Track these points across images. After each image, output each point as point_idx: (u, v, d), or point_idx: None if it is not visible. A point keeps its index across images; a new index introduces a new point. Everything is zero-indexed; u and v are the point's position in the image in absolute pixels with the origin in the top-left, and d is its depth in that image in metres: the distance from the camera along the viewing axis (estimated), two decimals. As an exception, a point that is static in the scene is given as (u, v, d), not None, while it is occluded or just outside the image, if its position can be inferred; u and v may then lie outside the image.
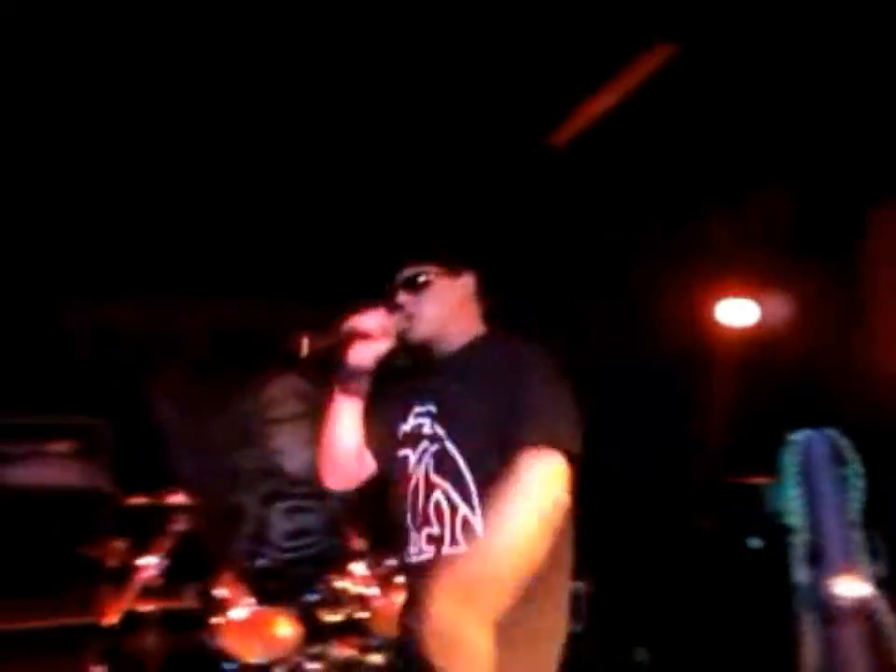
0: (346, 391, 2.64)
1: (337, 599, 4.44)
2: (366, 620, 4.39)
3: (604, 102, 4.42)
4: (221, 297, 6.16)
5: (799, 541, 4.74)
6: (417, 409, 2.59)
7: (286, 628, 4.40)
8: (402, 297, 2.60)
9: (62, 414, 5.87)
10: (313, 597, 4.54)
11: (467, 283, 2.68)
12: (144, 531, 4.66)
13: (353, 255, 5.37)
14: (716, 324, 5.46)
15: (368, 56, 4.03)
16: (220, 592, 4.61)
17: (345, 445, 2.69)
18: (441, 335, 2.63)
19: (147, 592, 4.48)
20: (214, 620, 4.51)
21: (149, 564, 4.44)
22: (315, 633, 4.42)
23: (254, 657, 4.33)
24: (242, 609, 4.51)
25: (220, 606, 4.55)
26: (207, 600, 4.66)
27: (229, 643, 4.45)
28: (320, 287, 5.55)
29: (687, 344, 5.49)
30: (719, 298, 5.50)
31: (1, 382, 5.67)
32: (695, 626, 5.32)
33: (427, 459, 2.49)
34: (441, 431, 2.49)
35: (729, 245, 5.13)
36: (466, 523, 2.36)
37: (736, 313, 5.45)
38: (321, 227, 5.57)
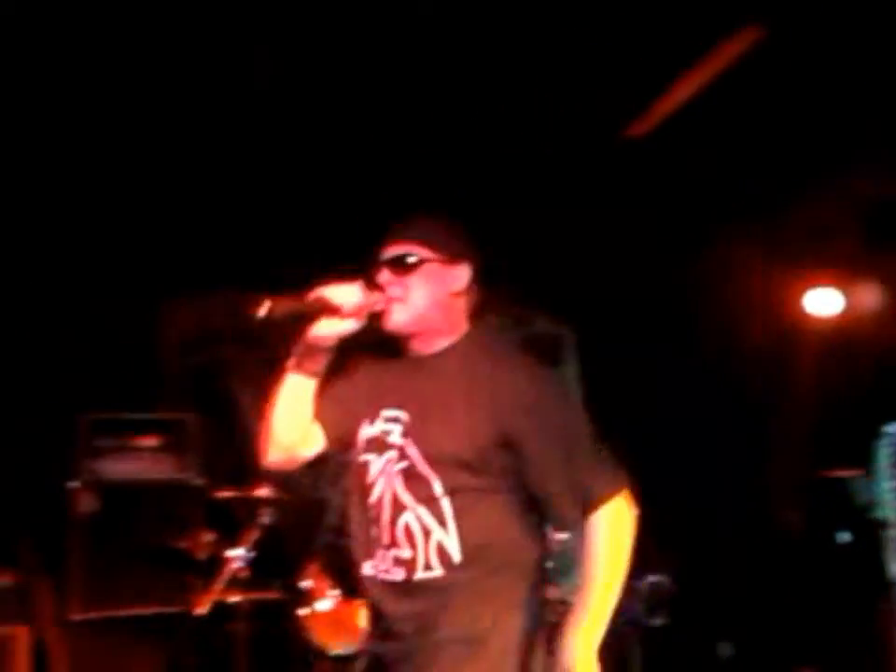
0: (300, 367, 2.41)
1: None
2: None
3: (686, 89, 4.34)
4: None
5: (892, 535, 4.68)
6: (386, 412, 2.40)
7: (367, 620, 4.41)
8: (386, 276, 2.39)
9: (152, 410, 5.96)
10: None
11: (461, 275, 2.46)
12: (232, 524, 4.72)
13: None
14: (803, 314, 5.42)
15: (437, 41, 4.01)
16: (306, 584, 4.66)
17: (292, 425, 2.46)
18: (421, 328, 2.43)
19: (235, 583, 4.51)
20: (299, 611, 4.57)
21: (237, 556, 4.48)
22: None
23: (339, 648, 4.37)
24: (327, 601, 4.56)
25: (306, 597, 4.60)
26: (293, 592, 4.71)
27: (314, 634, 4.51)
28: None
29: (773, 335, 5.44)
30: (805, 288, 5.46)
31: (92, 378, 5.79)
32: (781, 621, 5.24)
33: (394, 474, 2.32)
34: (411, 449, 2.31)
35: (815, 235, 5.04)
36: (440, 547, 2.26)
37: (823, 303, 5.42)
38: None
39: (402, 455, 2.33)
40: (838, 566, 5.26)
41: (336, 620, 4.49)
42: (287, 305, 2.26)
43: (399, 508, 2.30)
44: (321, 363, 2.40)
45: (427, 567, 2.26)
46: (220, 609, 4.53)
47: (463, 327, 2.48)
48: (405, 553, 2.28)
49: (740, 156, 4.87)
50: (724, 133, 4.68)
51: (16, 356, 5.58)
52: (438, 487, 2.27)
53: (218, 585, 4.40)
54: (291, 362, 2.41)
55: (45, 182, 5.03)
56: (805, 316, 5.46)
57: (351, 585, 4.38)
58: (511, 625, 2.30)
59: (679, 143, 4.76)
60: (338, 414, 2.50)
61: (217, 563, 4.53)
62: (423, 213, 2.49)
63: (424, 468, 2.28)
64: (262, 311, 2.21)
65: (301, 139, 4.80)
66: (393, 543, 2.30)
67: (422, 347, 2.45)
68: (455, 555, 2.26)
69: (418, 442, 2.32)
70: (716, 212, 5.34)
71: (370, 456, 2.40)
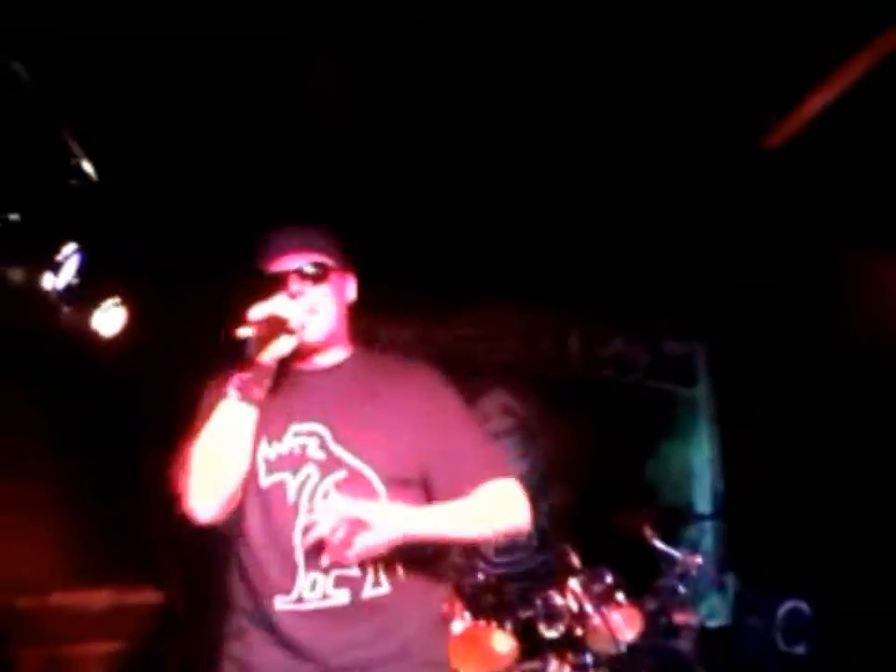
0: (247, 394, 2.16)
1: (553, 615, 4.53)
2: (582, 636, 4.56)
3: (822, 99, 4.21)
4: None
5: None
6: (297, 427, 2.26)
7: (503, 643, 4.45)
8: (296, 286, 2.26)
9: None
10: (528, 612, 4.57)
11: (352, 285, 2.44)
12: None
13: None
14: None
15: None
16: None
17: (237, 462, 2.19)
18: (328, 340, 2.36)
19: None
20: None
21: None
22: (532, 648, 4.54)
23: (471, 671, 4.39)
24: (459, 624, 4.42)
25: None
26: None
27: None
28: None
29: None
30: None
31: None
32: None
33: (323, 487, 2.20)
34: (346, 456, 2.23)
35: None
36: (387, 562, 2.18)
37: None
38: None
39: (332, 464, 2.22)
40: None
41: (468, 643, 4.46)
42: (262, 325, 2.13)
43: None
44: (265, 388, 2.19)
45: (376, 583, 2.18)
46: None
47: (350, 339, 2.44)
48: (352, 570, 2.15)
49: (881, 165, 4.69)
50: (862, 138, 4.50)
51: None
52: (382, 493, 2.20)
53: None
54: (236, 390, 2.15)
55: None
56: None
57: (482, 608, 4.71)
58: (444, 646, 2.39)
59: (814, 151, 4.64)
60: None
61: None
62: (304, 221, 2.40)
63: (368, 474, 2.21)
64: (244, 332, 2.10)
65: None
66: (336, 562, 2.14)
67: (319, 360, 2.36)
68: (401, 571, 2.21)
69: (357, 453, 2.23)
70: (857, 225, 5.19)
71: (282, 476, 2.22)
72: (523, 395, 6.32)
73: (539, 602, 4.67)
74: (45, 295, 4.09)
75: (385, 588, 2.20)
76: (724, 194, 5.23)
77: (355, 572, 2.18)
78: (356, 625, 2.19)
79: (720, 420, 6.73)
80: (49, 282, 4.10)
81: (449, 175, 4.87)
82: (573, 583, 4.74)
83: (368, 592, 2.19)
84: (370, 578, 2.19)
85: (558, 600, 4.71)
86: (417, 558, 2.27)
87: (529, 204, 5.17)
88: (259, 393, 2.19)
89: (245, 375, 2.17)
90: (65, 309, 4.22)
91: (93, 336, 4.42)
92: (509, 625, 4.53)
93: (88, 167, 3.90)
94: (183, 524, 2.25)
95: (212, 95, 3.97)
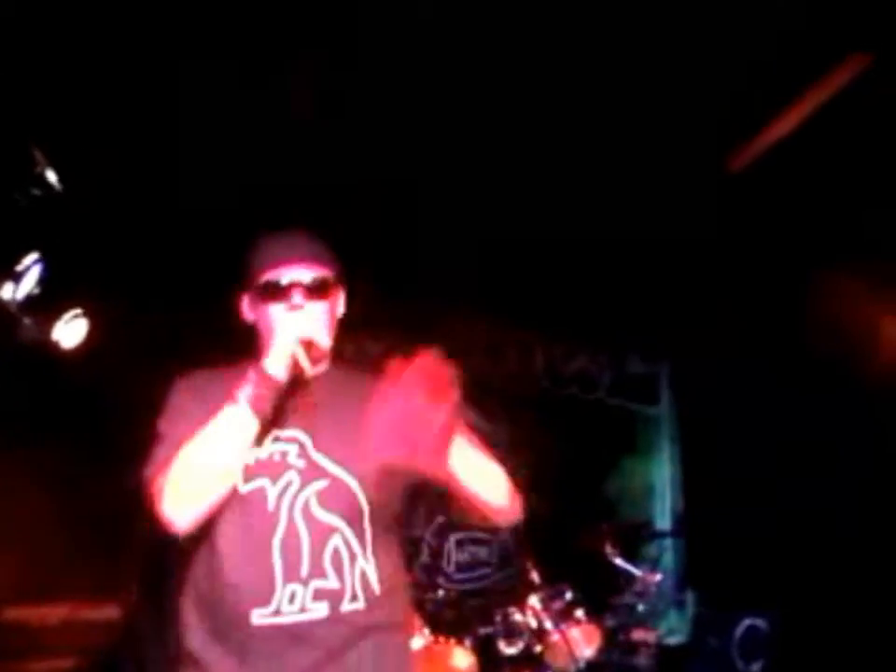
0: (258, 407, 2.10)
1: (513, 631, 4.55)
2: (541, 653, 4.60)
3: (788, 122, 4.24)
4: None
5: None
6: (276, 433, 2.20)
7: (462, 659, 4.48)
8: (299, 300, 2.22)
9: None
10: (488, 629, 4.59)
11: (342, 301, 2.41)
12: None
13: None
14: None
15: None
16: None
17: (229, 472, 2.12)
18: (325, 354, 2.33)
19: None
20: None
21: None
22: (491, 665, 4.56)
23: (431, 689, 4.47)
24: (418, 640, 4.43)
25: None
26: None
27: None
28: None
29: (880, 365, 5.21)
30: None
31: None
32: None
33: (304, 496, 2.16)
34: (328, 464, 2.19)
35: None
36: (364, 576, 2.16)
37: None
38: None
39: (312, 472, 2.17)
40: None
41: (428, 659, 4.46)
42: (304, 345, 2.16)
43: (324, 531, 2.13)
44: (272, 405, 2.14)
45: (354, 597, 2.14)
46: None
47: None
48: (331, 583, 2.12)
49: (842, 188, 4.74)
50: (825, 160, 4.54)
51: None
52: (364, 504, 2.18)
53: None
54: (247, 401, 2.09)
55: None
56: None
57: (442, 624, 4.73)
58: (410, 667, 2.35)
59: (776, 172, 4.67)
60: None
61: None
62: (302, 230, 2.34)
63: (350, 482, 2.17)
64: (291, 347, 2.14)
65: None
66: (315, 573, 2.11)
67: None
68: (376, 587, 2.18)
69: (341, 459, 2.19)
70: (819, 246, 5.21)
71: (261, 482, 2.15)
72: (487, 412, 6.32)
73: (498, 618, 4.70)
74: (5, 305, 4.03)
75: (360, 604, 2.15)
76: (688, 215, 5.26)
77: (334, 584, 2.13)
78: (328, 641, 2.13)
79: (681, 439, 6.79)
80: (9, 292, 4.04)
81: (417, 192, 4.90)
82: (533, 600, 4.78)
83: (346, 606, 2.13)
84: (348, 591, 2.14)
85: (518, 617, 4.75)
86: (390, 575, 2.25)
87: (495, 222, 5.18)
88: (269, 409, 2.13)
89: (262, 390, 2.11)
90: (26, 320, 4.17)
91: (54, 347, 4.38)
92: (468, 641, 4.56)
93: (51, 176, 3.87)
94: (148, 534, 2.20)
95: (178, 105, 3.96)
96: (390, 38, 3.79)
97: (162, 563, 2.57)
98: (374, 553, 2.20)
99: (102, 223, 4.39)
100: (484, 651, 4.60)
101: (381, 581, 2.21)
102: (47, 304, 4.24)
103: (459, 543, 5.92)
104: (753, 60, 3.92)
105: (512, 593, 4.92)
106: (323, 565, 2.12)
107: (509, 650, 4.68)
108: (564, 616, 4.78)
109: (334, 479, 2.17)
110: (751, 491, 5.86)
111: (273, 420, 2.17)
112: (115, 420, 4.39)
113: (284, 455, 2.20)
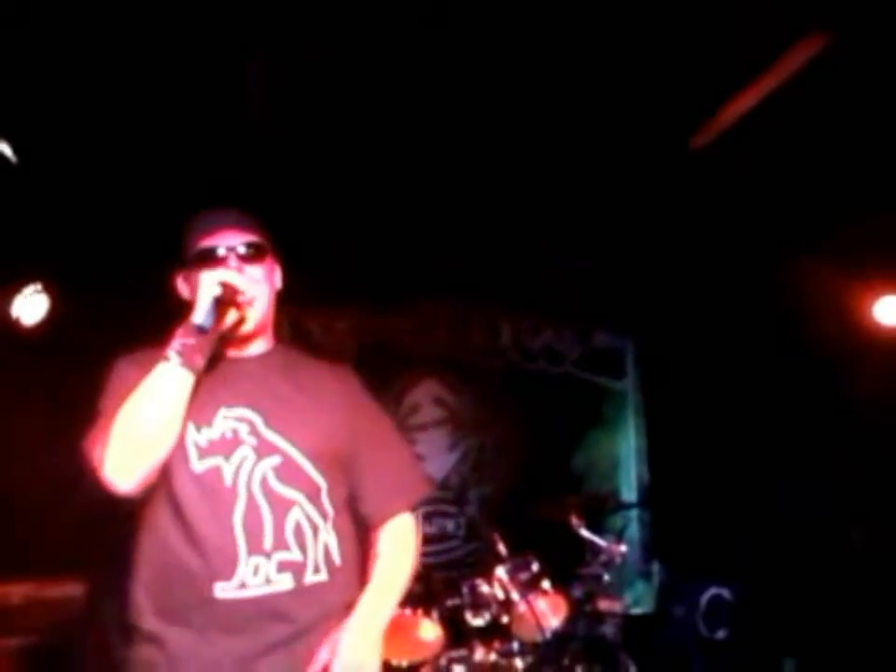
0: (191, 361, 2.06)
1: (479, 603, 4.55)
2: (508, 624, 4.58)
3: (748, 99, 4.22)
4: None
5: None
6: (227, 412, 2.21)
7: (429, 631, 4.49)
8: (234, 264, 2.22)
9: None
10: (455, 601, 4.57)
11: (279, 274, 2.41)
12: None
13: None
14: (874, 323, 5.13)
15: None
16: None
17: (169, 429, 2.08)
18: (258, 327, 2.33)
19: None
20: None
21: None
22: (458, 636, 4.55)
23: (398, 659, 4.36)
24: None
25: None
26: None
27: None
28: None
29: (842, 344, 5.21)
30: (877, 296, 5.11)
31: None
32: (848, 638, 5.06)
33: (265, 472, 2.19)
34: (279, 440, 2.22)
35: (888, 241, 4.76)
36: (326, 548, 2.21)
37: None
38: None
39: (265, 449, 2.20)
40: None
41: (395, 631, 4.42)
42: (225, 289, 2.13)
43: (284, 505, 2.17)
44: (205, 359, 2.11)
45: (316, 569, 2.18)
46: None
47: (273, 331, 2.41)
48: (295, 554, 2.15)
49: (809, 166, 4.70)
50: (792, 139, 4.50)
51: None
52: (320, 481, 2.23)
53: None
54: (177, 354, 2.06)
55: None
56: (876, 326, 5.10)
57: (409, 597, 4.71)
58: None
59: (743, 151, 4.66)
60: None
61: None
62: (231, 204, 2.35)
63: (303, 462, 2.21)
64: (212, 291, 2.12)
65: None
66: (279, 545, 2.14)
67: (245, 349, 2.34)
68: (337, 559, 2.23)
69: (293, 438, 2.23)
70: (785, 224, 5.22)
71: (215, 460, 2.16)
72: (453, 386, 6.35)
73: (465, 590, 4.68)
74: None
75: (323, 576, 2.21)
76: (655, 192, 5.32)
77: (297, 556, 2.17)
78: (295, 613, 2.18)
79: (647, 412, 6.82)
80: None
81: (382, 169, 4.89)
82: (500, 571, 4.75)
83: (310, 578, 2.19)
84: (310, 563, 2.19)
85: (485, 588, 4.72)
86: (349, 548, 2.33)
87: (461, 197, 5.21)
88: (200, 361, 2.11)
89: (189, 341, 2.09)
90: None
91: (14, 324, 4.32)
92: (435, 614, 4.55)
93: (6, 149, 3.81)
94: (101, 508, 2.18)
95: (136, 79, 3.91)
96: (345, 37, 3.80)
97: (108, 541, 2.54)
98: (335, 526, 2.27)
99: (60, 197, 4.34)
100: (452, 623, 4.58)
101: (342, 554, 2.28)
102: (5, 279, 4.17)
103: (426, 516, 5.93)
104: (714, 38, 3.88)
105: (479, 565, 4.90)
106: (285, 537, 2.17)
107: (476, 621, 4.65)
108: (530, 587, 4.75)
109: (287, 456, 2.22)
110: (716, 464, 5.93)
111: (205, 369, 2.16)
112: (77, 395, 4.34)
113: (235, 432, 2.22)
